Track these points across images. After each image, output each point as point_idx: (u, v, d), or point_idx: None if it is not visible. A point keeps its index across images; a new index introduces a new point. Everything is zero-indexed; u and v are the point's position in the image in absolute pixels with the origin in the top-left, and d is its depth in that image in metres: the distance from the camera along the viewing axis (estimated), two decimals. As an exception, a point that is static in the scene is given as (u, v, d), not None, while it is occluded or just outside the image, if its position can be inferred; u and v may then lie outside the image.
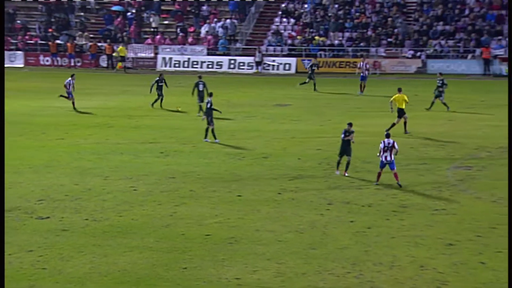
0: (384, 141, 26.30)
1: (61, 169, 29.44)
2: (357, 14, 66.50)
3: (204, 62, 64.63)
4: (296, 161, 30.74)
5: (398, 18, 64.91)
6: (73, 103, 43.27)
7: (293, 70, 62.80)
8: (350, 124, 28.27)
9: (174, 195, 25.79)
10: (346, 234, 21.65)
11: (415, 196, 25.42)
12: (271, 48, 65.36)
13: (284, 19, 67.86)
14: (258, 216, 23.41)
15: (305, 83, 51.52)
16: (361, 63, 50.46)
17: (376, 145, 33.20)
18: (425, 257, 19.64)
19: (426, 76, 58.86)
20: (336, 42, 64.56)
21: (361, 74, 49.82)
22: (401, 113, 36.06)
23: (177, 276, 18.79)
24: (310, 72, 51.83)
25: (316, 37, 64.95)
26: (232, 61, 64.25)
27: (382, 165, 26.42)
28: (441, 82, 42.13)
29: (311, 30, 66.09)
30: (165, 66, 64.94)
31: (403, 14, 65.69)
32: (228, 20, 67.56)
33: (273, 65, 62.96)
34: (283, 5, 68.85)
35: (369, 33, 64.38)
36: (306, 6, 68.38)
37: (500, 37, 60.89)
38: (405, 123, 36.07)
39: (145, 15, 70.87)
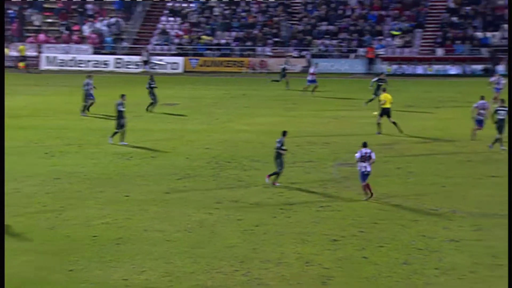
0: (361, 151, 24.56)
1: None
2: (244, 13, 67.00)
3: (90, 61, 63.73)
4: (184, 160, 30.76)
5: (284, 18, 65.78)
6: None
7: (180, 69, 62.71)
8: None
9: (59, 196, 25.36)
10: (234, 232, 21.83)
11: (301, 194, 25.85)
12: (158, 47, 65.05)
13: (171, 18, 67.67)
14: (146, 216, 23.31)
15: (277, 81, 51.67)
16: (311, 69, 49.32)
17: (263, 143, 33.69)
18: (311, 253, 20.02)
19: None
20: (223, 41, 64.87)
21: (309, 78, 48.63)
22: (387, 113, 35.50)
23: (62, 279, 18.50)
24: (282, 72, 51.81)
25: (203, 36, 65.07)
26: (119, 60, 63.60)
27: (364, 177, 24.42)
28: (383, 81, 42.24)
29: (198, 29, 66.16)
30: (50, 65, 63.68)
31: (288, 14, 66.62)
32: (112, 19, 66.80)
33: (160, 64, 62.68)
34: (169, 4, 68.64)
35: (256, 32, 64.99)
36: (192, 5, 68.38)
37: (381, 37, 62.60)
38: (394, 123, 35.49)
39: (27, 13, 69.23)
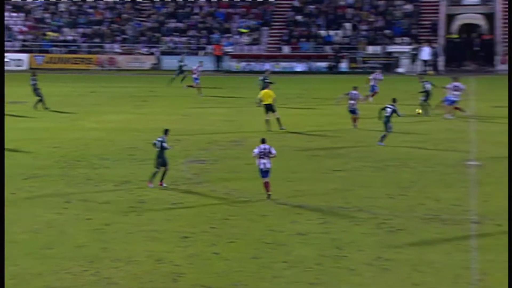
0: (259, 147, 24.08)
1: None
2: (91, 10, 65.97)
3: None
4: (31, 159, 30.02)
5: (132, 15, 65.29)
6: None
7: (25, 66, 61.02)
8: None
9: None
10: (83, 232, 21.54)
11: (152, 191, 25.80)
12: (2, 43, 63.00)
13: (14, 14, 65.65)
14: (-10, 218, 22.57)
15: (173, 79, 50.79)
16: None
17: (112, 141, 33.39)
18: (162, 251, 20.05)
19: (161, 72, 59.84)
20: (70, 37, 63.61)
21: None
22: (269, 108, 35.52)
23: None
24: (178, 70, 50.75)
25: (49, 33, 63.56)
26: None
27: (263, 174, 24.02)
28: (266, 80, 42.13)
29: (43, 25, 64.56)
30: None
31: (136, 11, 66.17)
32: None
33: (4, 61, 60.71)
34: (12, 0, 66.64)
35: (104, 29, 64.16)
36: (37, 1, 66.65)
37: (229, 35, 63.30)
38: (277, 119, 35.64)
39: None
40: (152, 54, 62.26)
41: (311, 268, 18.74)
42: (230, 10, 65.43)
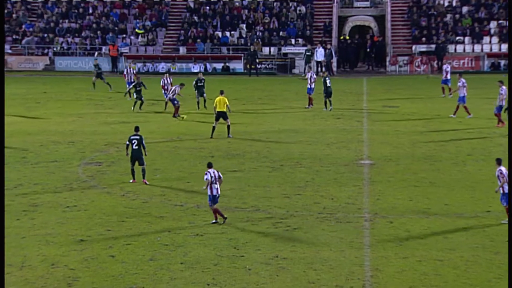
0: (209, 172, 22.26)
1: None
2: (-20, 8, 64.20)
3: None
4: None
5: (23, 14, 63.86)
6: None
7: None
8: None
9: None
10: (-26, 237, 20.95)
11: (46, 195, 25.35)
12: None
13: None
14: None
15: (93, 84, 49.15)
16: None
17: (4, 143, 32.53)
18: (57, 255, 19.74)
19: (54, 73, 58.76)
20: (-41, 37, 61.70)
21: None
22: (222, 115, 33.95)
23: None
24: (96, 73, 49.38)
25: None
26: None
27: (215, 200, 22.29)
28: (202, 81, 41.54)
29: None
30: None
31: (27, 10, 64.74)
32: None
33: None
34: None
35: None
36: None
37: (124, 35, 62.70)
38: (228, 126, 34.19)
39: None
40: (46, 54, 61.07)
41: (209, 269, 18.81)
42: (124, 11, 64.85)
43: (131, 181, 26.75)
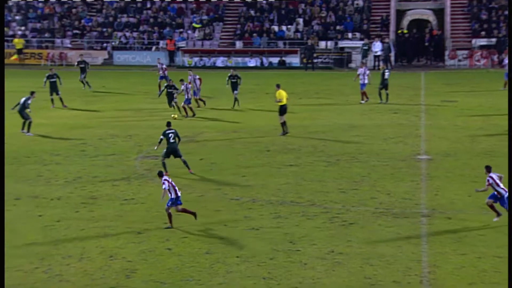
0: (166, 178, 21.90)
1: None
2: (40, 4, 65.20)
3: None
4: (-21, 156, 29.57)
5: (82, 9, 64.73)
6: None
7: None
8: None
9: None
10: (34, 229, 21.32)
11: (104, 187, 25.64)
12: None
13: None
14: None
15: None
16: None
17: (63, 137, 33.10)
18: (114, 247, 19.95)
19: (113, 68, 59.41)
20: (20, 32, 62.78)
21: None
22: (285, 110, 33.46)
23: None
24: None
25: (-2, 27, 62.70)
26: None
27: (174, 202, 21.78)
28: (235, 78, 40.56)
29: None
30: None
31: (87, 5, 65.59)
32: None
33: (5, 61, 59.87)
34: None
35: (55, 24, 63.49)
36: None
37: (181, 30, 63.07)
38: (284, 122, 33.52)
39: None
40: (103, 49, 61.78)
41: (264, 263, 18.81)
42: (182, 5, 65.23)
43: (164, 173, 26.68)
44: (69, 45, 61.91)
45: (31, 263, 18.80)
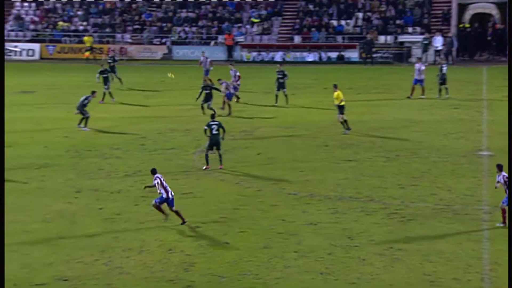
0: (158, 176, 21.58)
1: None
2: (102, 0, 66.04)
3: None
4: (42, 149, 30.10)
5: (142, 4, 65.31)
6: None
7: (37, 56, 61.11)
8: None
9: None
10: (95, 221, 21.60)
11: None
12: (13, 33, 63.08)
13: (26, 4, 65.73)
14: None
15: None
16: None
17: (123, 131, 33.48)
18: (173, 240, 20.10)
19: (172, 62, 59.82)
20: (81, 27, 63.65)
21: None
22: (342, 108, 32.96)
23: None
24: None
25: (60, 23, 63.60)
26: (-31, 47, 61.31)
27: (164, 201, 21.39)
28: (281, 73, 39.77)
29: (55, 15, 64.63)
30: None
31: (147, 0, 66.14)
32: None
33: (16, 51, 60.84)
34: (24, -10, 66.72)
35: (116, 19, 64.17)
36: (49, -10, 66.75)
37: (240, 25, 63.19)
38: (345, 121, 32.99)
39: None
40: (163, 44, 62.25)
41: (322, 258, 18.73)
42: (241, 0, 65.35)
43: (204, 167, 26.91)
44: (130, 40, 62.53)
45: (91, 255, 19.05)
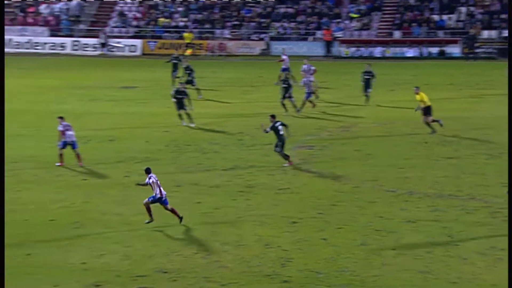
0: (152, 176, 21.23)
1: None
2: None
3: (47, 43, 63.09)
4: (143, 143, 30.66)
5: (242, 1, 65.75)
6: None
7: (139, 52, 62.36)
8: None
9: (16, 180, 25.13)
10: (193, 215, 21.85)
11: (260, 176, 25.93)
12: (116, 29, 64.55)
13: (128, 1, 67.15)
14: (104, 200, 23.25)
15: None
16: None
17: (221, 126, 33.78)
18: (270, 235, 20.13)
19: (270, 58, 59.97)
20: (181, 23, 64.57)
21: None
22: (428, 110, 31.97)
23: (21, 263, 18.40)
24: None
25: (161, 19, 64.71)
26: (76, 43, 63.01)
27: (157, 200, 21.11)
28: (369, 74, 38.92)
29: (156, 11, 65.79)
30: (5, 47, 63.04)
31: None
32: (74, 2, 66.16)
33: (119, 47, 62.26)
34: (127, -14, 68.16)
35: (215, 15, 64.84)
36: (150, -13, 68.00)
37: (339, 20, 62.84)
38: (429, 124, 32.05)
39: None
40: (261, 39, 62.53)
41: (421, 256, 18.43)
42: (340, -4, 65.02)
43: (287, 164, 26.83)
44: (228, 36, 63.05)
45: (190, 248, 19.29)
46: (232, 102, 40.27)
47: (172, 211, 21.20)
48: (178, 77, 43.27)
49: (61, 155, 26.84)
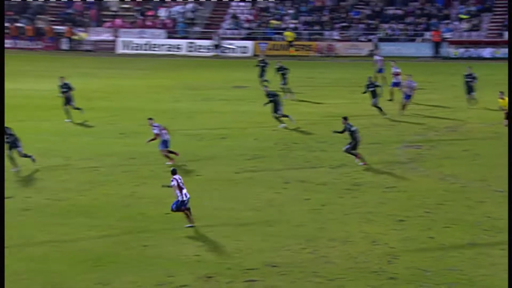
0: (175, 178, 21.15)
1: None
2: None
3: (164, 45, 65.03)
4: (253, 141, 31.36)
5: (351, 2, 65.83)
6: None
7: (250, 53, 63.35)
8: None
9: (134, 175, 26.24)
10: (301, 211, 22.34)
11: (367, 175, 26.20)
12: (229, 31, 65.82)
13: (241, 3, 68.26)
14: (216, 195, 23.98)
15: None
16: None
17: (329, 125, 34.09)
18: (377, 233, 20.41)
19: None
20: (292, 25, 65.21)
21: None
22: None
23: (137, 254, 19.26)
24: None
25: (272, 21, 65.55)
26: (191, 44, 64.68)
27: (180, 205, 21.12)
28: (470, 77, 37.98)
29: (267, 14, 66.67)
30: (125, 49, 65.25)
31: (356, -1, 66.65)
32: (190, 5, 67.84)
33: (231, 48, 63.51)
34: (240, -11, 69.25)
35: (325, 17, 65.21)
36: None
37: (448, 21, 62.15)
38: None
39: (104, -1, 70.78)
40: (369, 41, 62.48)
41: (530, 257, 18.36)
42: (450, -4, 64.25)
43: (362, 163, 26.94)
44: (337, 37, 63.29)
45: (299, 243, 19.76)
46: (339, 102, 40.55)
47: (187, 214, 21.04)
48: (266, 81, 43.48)
49: (169, 152, 27.63)
